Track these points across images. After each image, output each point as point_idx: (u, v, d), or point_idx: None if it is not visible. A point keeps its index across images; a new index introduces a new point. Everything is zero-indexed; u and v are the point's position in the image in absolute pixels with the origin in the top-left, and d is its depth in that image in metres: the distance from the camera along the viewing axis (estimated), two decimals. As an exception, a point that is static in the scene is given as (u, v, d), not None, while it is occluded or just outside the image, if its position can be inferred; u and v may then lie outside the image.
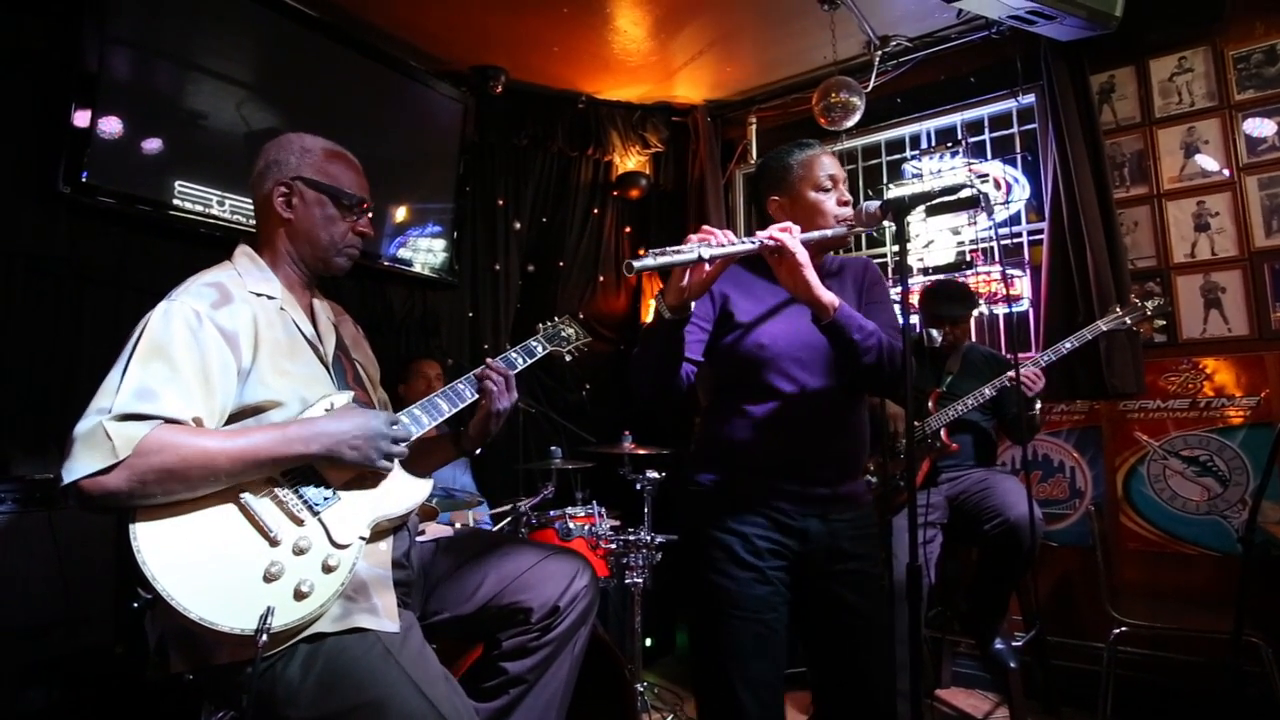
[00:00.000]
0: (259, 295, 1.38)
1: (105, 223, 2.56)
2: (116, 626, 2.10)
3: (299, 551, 1.22)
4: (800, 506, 1.52)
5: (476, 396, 1.59)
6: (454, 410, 1.55)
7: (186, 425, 1.18)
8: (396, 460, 1.39)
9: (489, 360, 1.62)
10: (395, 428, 1.36)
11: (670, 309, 1.40)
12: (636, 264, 1.29)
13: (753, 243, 1.40)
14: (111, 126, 2.51)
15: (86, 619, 2.07)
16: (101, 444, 1.11)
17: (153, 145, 2.64)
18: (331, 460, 1.29)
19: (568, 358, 1.89)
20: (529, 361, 1.73)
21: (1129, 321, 2.54)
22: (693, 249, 1.32)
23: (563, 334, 1.89)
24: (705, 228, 1.39)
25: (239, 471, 1.20)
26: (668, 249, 1.32)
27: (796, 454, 1.53)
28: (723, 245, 1.34)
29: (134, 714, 2.09)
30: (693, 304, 1.42)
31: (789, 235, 1.41)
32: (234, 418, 1.28)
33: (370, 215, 1.55)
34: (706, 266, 1.35)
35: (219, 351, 1.25)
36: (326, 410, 1.35)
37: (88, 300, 2.50)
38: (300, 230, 1.46)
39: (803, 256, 1.40)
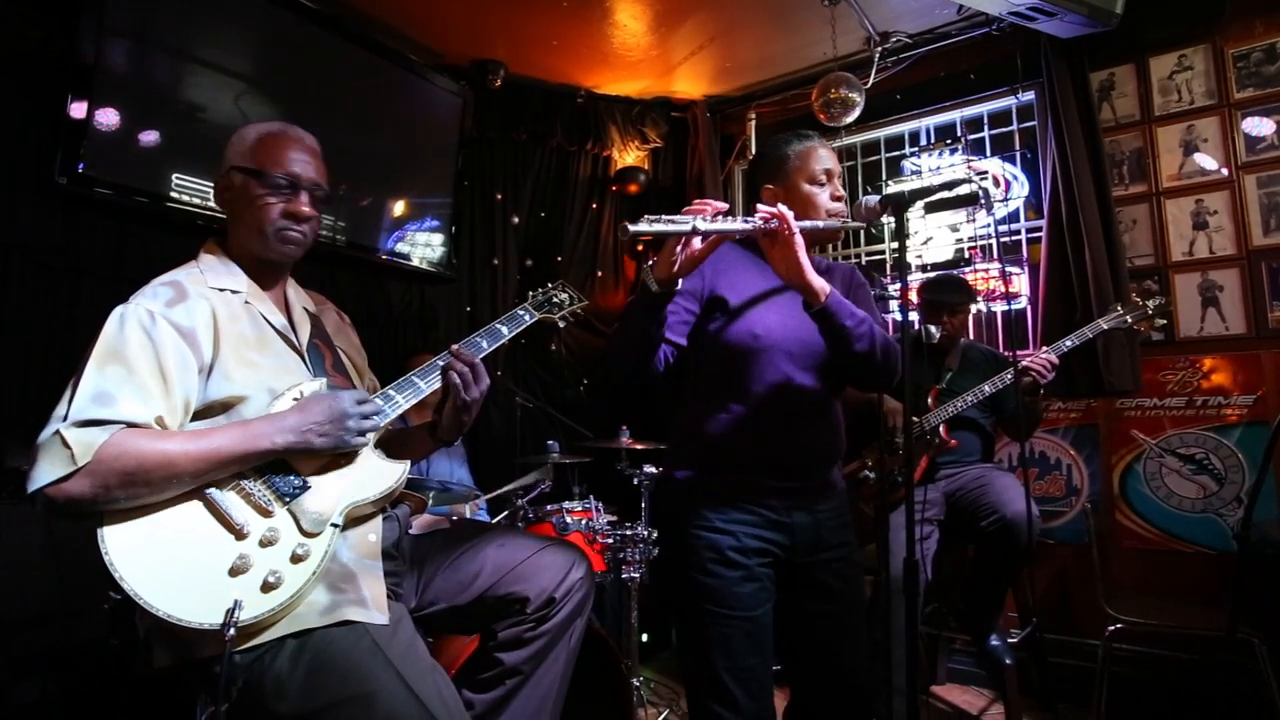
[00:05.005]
0: (222, 290, 1.37)
1: (102, 215, 2.56)
2: (111, 619, 2.09)
3: (266, 543, 1.22)
4: (786, 500, 1.52)
5: (437, 386, 1.50)
6: (421, 395, 1.48)
7: (148, 428, 1.18)
8: (371, 437, 1.36)
9: (453, 348, 1.51)
10: (363, 405, 1.33)
11: (659, 282, 1.38)
12: (633, 227, 1.27)
13: (748, 222, 1.38)
14: (108, 118, 2.50)
15: (81, 612, 2.06)
16: (60, 451, 1.11)
17: (150, 137, 2.63)
18: (303, 451, 1.27)
19: (561, 324, 1.80)
20: (515, 331, 1.66)
21: (1130, 320, 2.54)
22: (688, 220, 1.31)
23: (554, 299, 1.80)
24: (699, 201, 1.37)
25: (203, 472, 1.19)
26: (663, 217, 1.30)
27: (781, 449, 1.52)
28: (717, 220, 1.33)
29: (129, 706, 2.08)
30: (680, 281, 1.40)
31: (785, 219, 1.40)
32: (201, 414, 1.27)
33: (311, 194, 1.44)
34: (697, 242, 1.33)
35: (176, 348, 1.24)
36: (295, 400, 1.34)
37: (84, 292, 2.49)
38: (238, 220, 1.44)
39: (799, 239, 1.39)
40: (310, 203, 1.44)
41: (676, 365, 1.55)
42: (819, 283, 1.42)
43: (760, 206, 1.43)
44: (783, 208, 1.41)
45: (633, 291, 4.40)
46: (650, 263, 1.40)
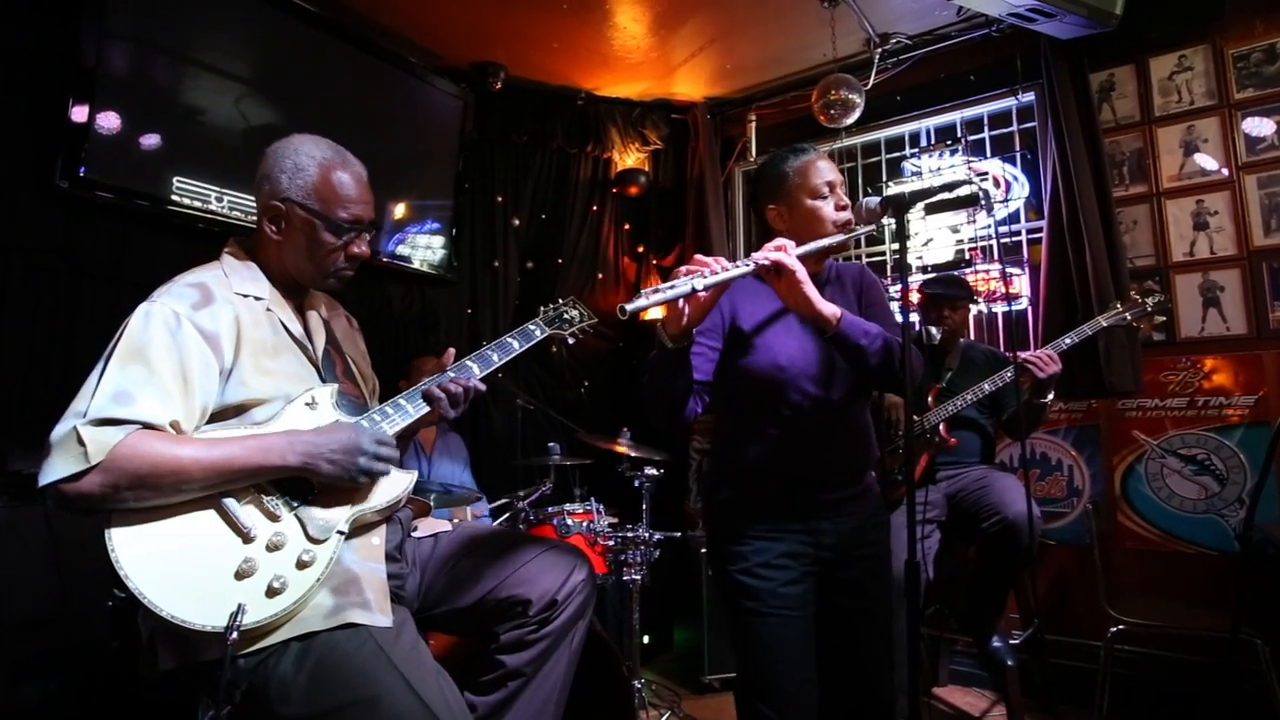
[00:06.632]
0: (245, 296, 1.37)
1: (103, 218, 2.56)
2: (112, 622, 2.09)
3: (273, 548, 1.22)
4: (824, 511, 1.56)
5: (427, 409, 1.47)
6: (414, 417, 1.46)
7: (163, 431, 1.18)
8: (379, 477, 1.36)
9: (450, 374, 1.48)
10: (380, 446, 1.32)
11: (673, 339, 1.39)
12: (629, 306, 1.26)
13: (748, 265, 1.39)
14: (109, 122, 2.50)
15: (82, 614, 2.06)
16: (75, 448, 1.11)
17: (151, 140, 2.63)
18: (311, 473, 1.27)
19: (571, 340, 1.81)
20: (526, 346, 1.66)
21: (1129, 317, 2.53)
22: (686, 282, 1.30)
23: (565, 316, 1.81)
24: (698, 257, 1.37)
25: (214, 483, 1.19)
26: (661, 286, 1.30)
27: (817, 466, 1.55)
28: (717, 273, 1.33)
29: (130, 709, 2.08)
30: (694, 330, 1.41)
31: (785, 254, 1.41)
32: (216, 416, 1.28)
33: (368, 235, 1.47)
34: (702, 295, 1.33)
35: (199, 352, 1.24)
36: (307, 404, 1.35)
37: (85, 295, 2.49)
38: (289, 245, 1.42)
39: (801, 274, 1.41)
40: (367, 241, 1.48)
41: (709, 399, 1.57)
42: (829, 310, 1.43)
43: (756, 255, 1.42)
44: (783, 255, 1.40)
45: (652, 342, 4.39)
46: (662, 321, 1.40)
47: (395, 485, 1.41)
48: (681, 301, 1.35)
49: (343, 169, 1.45)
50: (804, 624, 1.52)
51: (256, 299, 1.39)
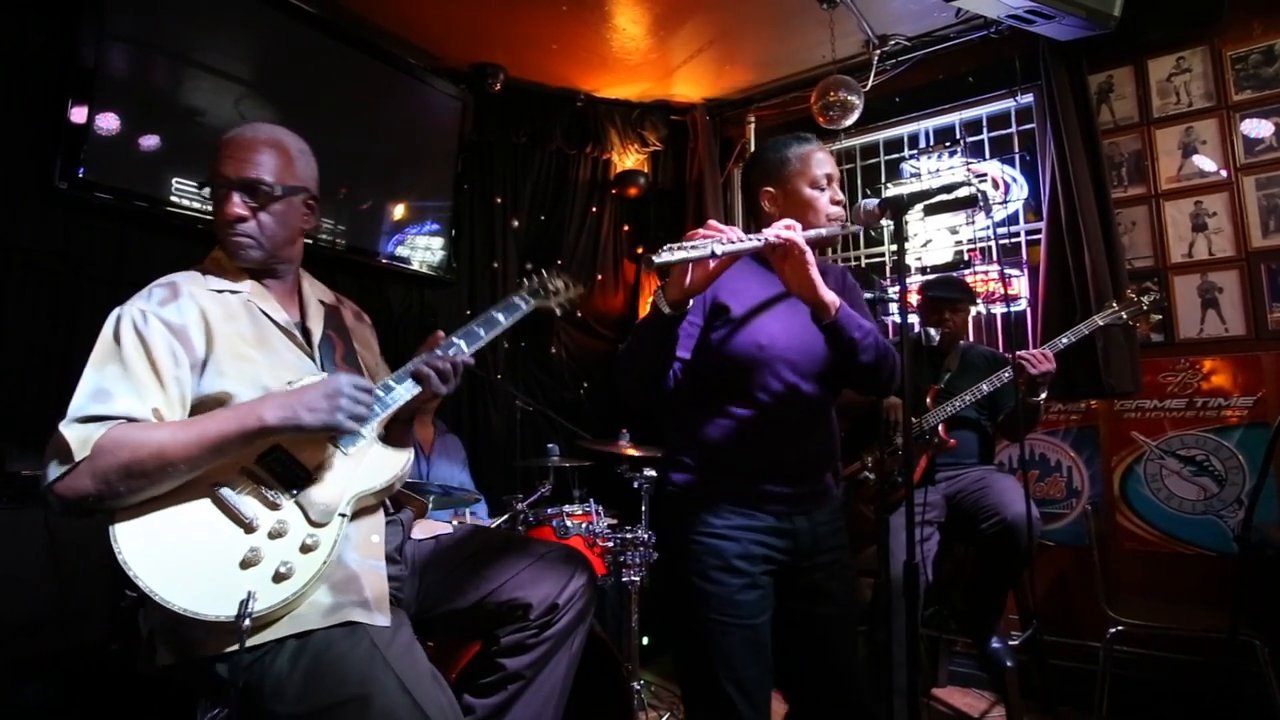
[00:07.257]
0: (221, 291, 1.39)
1: (102, 219, 2.56)
2: (112, 622, 2.09)
3: (276, 535, 1.23)
4: (788, 507, 1.52)
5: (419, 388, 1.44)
6: (407, 397, 1.43)
7: (144, 421, 1.20)
8: (371, 427, 1.36)
9: (437, 353, 1.44)
10: (359, 391, 1.29)
11: (671, 304, 1.38)
12: (658, 259, 1.28)
13: (758, 240, 1.38)
14: (108, 123, 2.50)
15: (82, 615, 2.06)
16: (61, 448, 1.15)
17: (150, 142, 2.63)
18: (293, 429, 1.24)
19: (558, 311, 1.77)
20: (512, 319, 1.60)
21: (1125, 316, 2.53)
22: (707, 245, 1.30)
23: (549, 286, 1.75)
24: (713, 223, 1.37)
25: (196, 458, 1.18)
26: (684, 243, 1.31)
27: (783, 455, 1.52)
28: (733, 242, 1.33)
29: (130, 710, 2.08)
30: (690, 300, 1.40)
31: (795, 233, 1.40)
32: (196, 410, 1.29)
33: (243, 194, 1.38)
34: (712, 263, 1.33)
35: (166, 343, 1.27)
36: (289, 384, 1.34)
37: (84, 296, 2.49)
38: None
39: (810, 256, 1.40)
40: (241, 203, 1.38)
41: (681, 379, 1.54)
42: (830, 297, 1.42)
43: (767, 232, 1.41)
44: (795, 235, 1.40)
45: (632, 298, 4.41)
46: (660, 286, 1.39)
47: (393, 463, 1.41)
48: (689, 270, 1.34)
49: (230, 136, 1.42)
50: (759, 631, 1.46)
51: (234, 293, 1.41)
